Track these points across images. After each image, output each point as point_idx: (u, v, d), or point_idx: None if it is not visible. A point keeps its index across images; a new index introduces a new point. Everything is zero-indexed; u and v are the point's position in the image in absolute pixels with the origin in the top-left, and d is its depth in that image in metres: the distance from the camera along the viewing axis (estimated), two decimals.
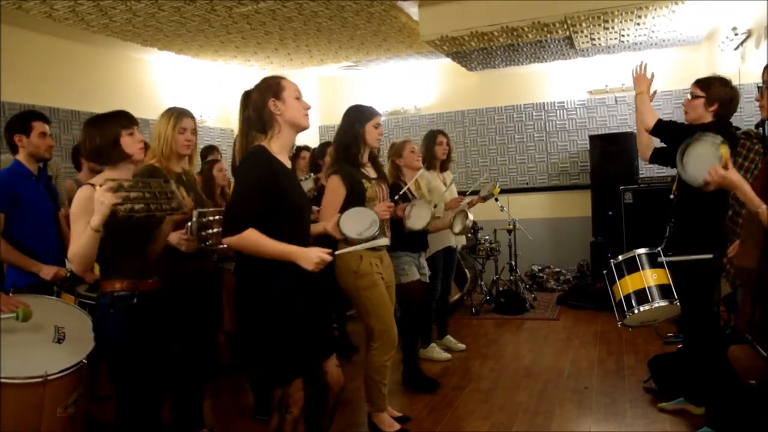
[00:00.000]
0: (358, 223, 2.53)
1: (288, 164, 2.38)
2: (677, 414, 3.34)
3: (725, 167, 2.47)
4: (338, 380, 2.47)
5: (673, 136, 3.08)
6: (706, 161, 2.55)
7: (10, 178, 3.14)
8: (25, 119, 3.22)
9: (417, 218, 3.52)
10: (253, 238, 2.18)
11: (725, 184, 2.53)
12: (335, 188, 3.12)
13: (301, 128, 2.38)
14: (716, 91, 2.99)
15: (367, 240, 2.59)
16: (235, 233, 2.18)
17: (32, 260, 3.07)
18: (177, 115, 2.87)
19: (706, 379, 3.04)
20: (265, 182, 2.22)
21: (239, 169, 2.30)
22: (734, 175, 2.49)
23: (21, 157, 3.20)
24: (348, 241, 2.62)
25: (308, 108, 2.38)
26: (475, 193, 5.08)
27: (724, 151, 2.50)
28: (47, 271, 3.05)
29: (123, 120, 2.38)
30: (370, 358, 3.24)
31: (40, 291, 2.97)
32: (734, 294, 4.05)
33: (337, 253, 2.38)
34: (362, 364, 3.34)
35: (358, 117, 3.24)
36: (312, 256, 2.21)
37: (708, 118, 3.01)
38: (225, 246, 2.34)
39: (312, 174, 4.58)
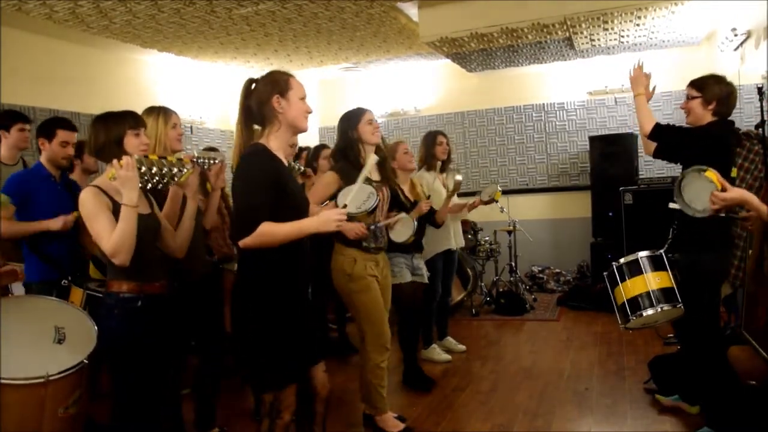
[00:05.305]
0: (356, 197, 2.52)
1: (286, 163, 2.37)
2: (677, 415, 3.35)
3: (723, 190, 2.49)
4: (325, 386, 2.41)
5: (673, 140, 3.07)
6: (702, 191, 2.57)
7: (25, 178, 3.21)
8: (51, 125, 3.26)
9: (399, 233, 3.50)
10: (268, 230, 2.15)
11: (733, 205, 2.57)
12: (328, 182, 3.15)
13: (299, 130, 2.37)
14: (712, 89, 2.97)
15: (366, 212, 2.61)
16: (250, 233, 2.14)
17: (38, 221, 3.08)
18: (164, 113, 2.87)
19: (705, 380, 3.03)
20: (269, 180, 2.20)
21: (241, 168, 2.23)
22: (735, 193, 2.51)
23: (43, 159, 3.26)
24: (349, 217, 2.57)
25: (310, 111, 2.36)
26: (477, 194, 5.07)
27: (711, 176, 2.51)
28: (55, 223, 3.07)
29: (130, 120, 2.41)
30: (365, 361, 3.25)
31: (53, 286, 2.98)
32: (734, 295, 4.05)
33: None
34: (359, 366, 3.34)
35: (349, 122, 3.27)
36: (328, 219, 2.22)
37: (708, 117, 2.99)
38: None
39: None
